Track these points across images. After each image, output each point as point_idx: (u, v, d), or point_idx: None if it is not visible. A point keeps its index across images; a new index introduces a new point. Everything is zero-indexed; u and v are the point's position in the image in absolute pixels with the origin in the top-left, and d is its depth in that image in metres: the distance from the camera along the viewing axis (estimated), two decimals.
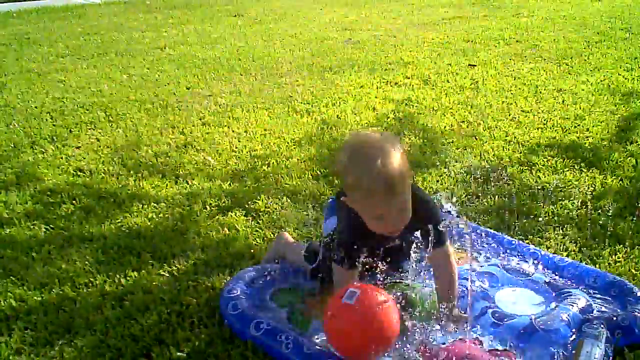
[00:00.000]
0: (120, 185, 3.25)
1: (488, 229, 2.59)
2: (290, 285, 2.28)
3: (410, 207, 1.90)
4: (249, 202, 2.99)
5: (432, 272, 2.13)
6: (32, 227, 2.83)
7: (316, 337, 1.98)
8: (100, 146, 3.84)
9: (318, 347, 1.87)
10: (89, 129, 4.17)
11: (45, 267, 2.48)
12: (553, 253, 2.43)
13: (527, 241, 2.54)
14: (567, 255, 2.44)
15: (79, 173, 3.44)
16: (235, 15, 8.97)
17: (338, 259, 2.02)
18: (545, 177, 3.20)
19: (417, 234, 2.03)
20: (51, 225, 2.84)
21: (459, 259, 2.25)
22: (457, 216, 2.66)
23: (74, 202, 3.07)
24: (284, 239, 2.48)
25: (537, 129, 3.95)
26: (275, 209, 2.93)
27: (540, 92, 4.75)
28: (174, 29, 7.93)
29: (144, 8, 9.74)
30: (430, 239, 1.94)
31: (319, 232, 2.68)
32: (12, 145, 3.87)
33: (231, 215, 2.88)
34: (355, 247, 1.95)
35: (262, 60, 6.05)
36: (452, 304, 2.01)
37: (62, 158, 3.65)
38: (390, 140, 1.90)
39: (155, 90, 5.04)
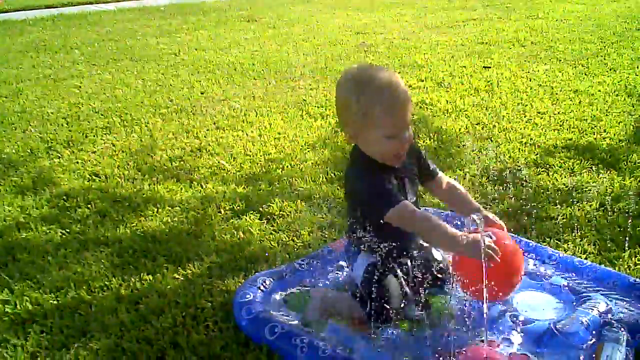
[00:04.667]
0: (135, 190, 3.26)
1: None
2: (301, 289, 2.26)
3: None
4: (263, 206, 2.98)
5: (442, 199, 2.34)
6: (48, 231, 2.85)
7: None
8: (115, 151, 3.86)
9: (333, 350, 1.85)
10: (105, 133, 4.20)
11: (61, 270, 2.49)
12: (571, 255, 2.39)
13: (544, 244, 2.51)
14: (586, 258, 2.41)
15: (94, 177, 3.46)
16: (248, 21, 9.02)
17: (389, 198, 1.93)
18: (562, 178, 3.16)
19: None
20: (67, 229, 2.86)
21: None
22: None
23: (89, 206, 3.08)
24: (321, 292, 2.22)
25: (553, 130, 3.91)
26: (290, 212, 2.92)
27: (556, 94, 4.70)
28: (188, 34, 7.98)
29: (158, 14, 9.82)
30: (424, 167, 2.17)
31: (334, 236, 2.67)
32: (29, 151, 3.90)
33: (245, 219, 2.87)
34: (387, 181, 2.00)
35: (276, 65, 6.06)
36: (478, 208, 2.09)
37: (77, 163, 3.67)
38: (379, 66, 2.04)
39: (170, 95, 5.07)
